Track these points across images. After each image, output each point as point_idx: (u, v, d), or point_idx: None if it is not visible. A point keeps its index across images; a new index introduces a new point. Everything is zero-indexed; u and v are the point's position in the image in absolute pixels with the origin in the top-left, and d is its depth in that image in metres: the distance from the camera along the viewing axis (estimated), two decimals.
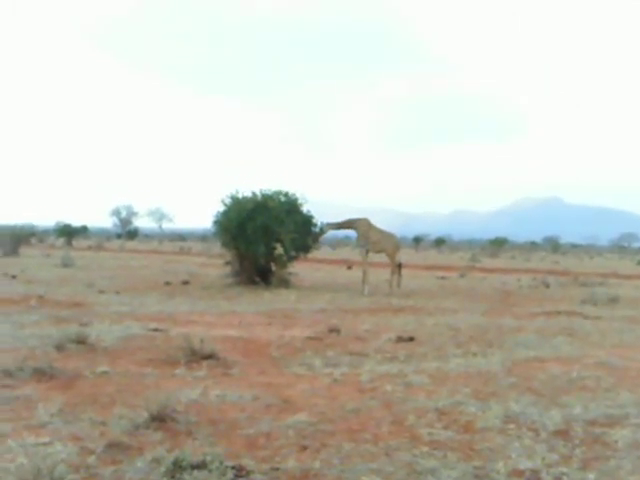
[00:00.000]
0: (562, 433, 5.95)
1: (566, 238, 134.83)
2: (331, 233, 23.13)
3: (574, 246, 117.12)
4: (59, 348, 9.03)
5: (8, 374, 7.41)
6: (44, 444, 5.27)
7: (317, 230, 22.19)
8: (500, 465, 5.11)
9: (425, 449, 5.44)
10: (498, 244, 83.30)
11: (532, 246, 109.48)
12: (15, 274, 22.55)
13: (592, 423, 6.26)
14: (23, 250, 39.96)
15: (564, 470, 5.06)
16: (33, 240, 58.54)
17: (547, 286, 24.75)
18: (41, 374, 7.47)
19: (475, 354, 9.82)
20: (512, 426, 6.10)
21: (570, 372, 8.50)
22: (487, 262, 49.79)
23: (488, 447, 5.54)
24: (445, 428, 6.02)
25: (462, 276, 29.63)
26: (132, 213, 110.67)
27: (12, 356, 8.29)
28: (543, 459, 5.26)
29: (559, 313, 15.31)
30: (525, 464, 5.15)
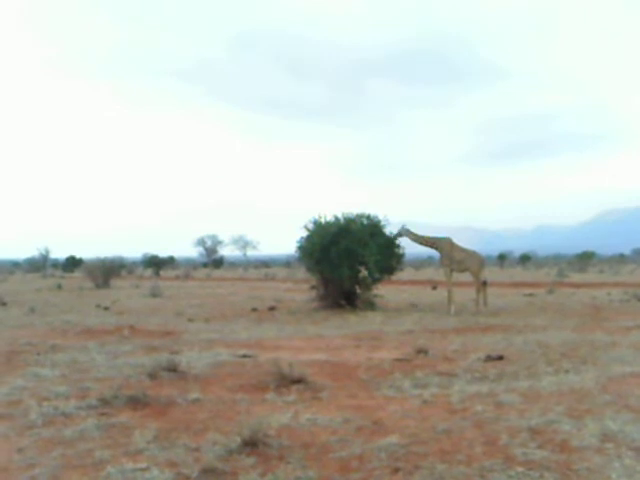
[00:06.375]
0: None
1: None
2: (415, 253, 22.95)
3: None
4: (152, 376, 9.24)
5: (105, 402, 7.64)
6: (142, 470, 5.40)
7: (396, 233, 22.01)
8: None
9: (520, 469, 5.33)
10: (585, 258, 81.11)
11: (620, 259, 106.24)
12: (107, 305, 23.28)
13: None
14: (114, 282, 41.15)
15: None
16: (123, 272, 60.02)
17: (639, 299, 23.97)
18: (136, 402, 7.67)
19: (567, 371, 9.59)
20: (610, 445, 5.91)
21: None
22: (575, 277, 48.60)
23: (586, 467, 5.38)
24: (540, 447, 5.88)
25: (550, 292, 29.00)
26: (217, 242, 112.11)
27: (108, 385, 8.54)
28: None
29: None
30: None
